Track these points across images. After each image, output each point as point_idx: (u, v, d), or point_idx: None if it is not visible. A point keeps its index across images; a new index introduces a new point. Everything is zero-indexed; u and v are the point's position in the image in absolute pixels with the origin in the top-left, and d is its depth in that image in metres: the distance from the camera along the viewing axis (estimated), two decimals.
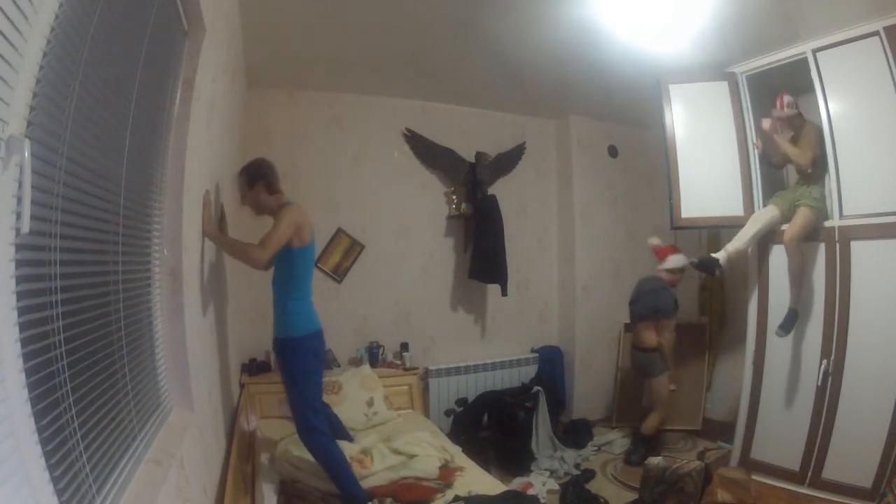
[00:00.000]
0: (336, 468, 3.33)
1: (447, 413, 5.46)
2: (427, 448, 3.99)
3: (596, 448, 5.48)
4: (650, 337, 5.18)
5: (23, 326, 1.01)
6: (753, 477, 4.35)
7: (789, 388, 4.47)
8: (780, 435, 4.49)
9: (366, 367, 5.03)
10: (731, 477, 4.03)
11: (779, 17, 4.02)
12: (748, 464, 4.68)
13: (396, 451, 3.95)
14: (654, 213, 7.00)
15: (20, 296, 1.01)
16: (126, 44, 1.58)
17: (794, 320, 4.28)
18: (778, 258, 4.57)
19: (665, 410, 5.15)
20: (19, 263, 1.01)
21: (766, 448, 4.60)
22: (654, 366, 5.17)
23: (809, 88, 4.26)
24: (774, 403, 4.59)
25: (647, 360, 5.21)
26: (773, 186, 4.60)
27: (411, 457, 3.88)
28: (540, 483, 4.57)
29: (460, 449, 4.31)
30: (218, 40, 2.72)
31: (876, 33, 3.87)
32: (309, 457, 3.49)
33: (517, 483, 4.52)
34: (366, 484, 3.49)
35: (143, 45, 1.69)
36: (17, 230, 0.97)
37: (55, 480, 1.07)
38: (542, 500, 4.22)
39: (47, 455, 1.05)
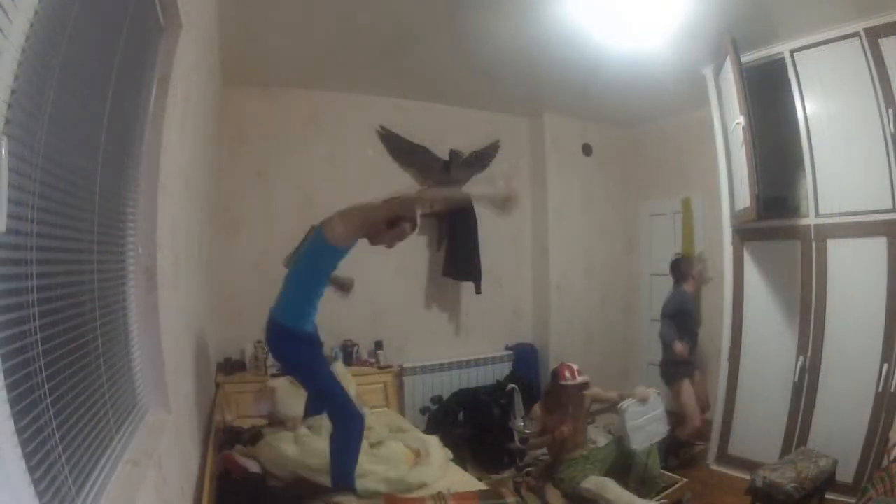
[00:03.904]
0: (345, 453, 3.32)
1: (422, 411, 5.47)
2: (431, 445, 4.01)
3: None
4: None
5: None
6: (731, 472, 4.46)
7: (766, 385, 4.55)
8: (758, 431, 4.57)
9: (338, 365, 4.99)
10: None
11: (758, 17, 4.06)
12: (726, 459, 4.75)
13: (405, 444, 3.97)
14: (628, 211, 7.09)
15: None
16: (102, 40, 1.56)
17: None
18: (753, 256, 4.65)
19: (695, 416, 5.12)
20: None
21: (744, 444, 4.68)
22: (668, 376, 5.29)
23: (787, 87, 4.33)
24: (751, 399, 4.67)
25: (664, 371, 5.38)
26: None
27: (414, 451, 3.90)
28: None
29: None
30: (194, 36, 2.69)
31: (856, 34, 3.93)
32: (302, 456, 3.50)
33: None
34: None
35: (119, 41, 1.67)
36: None
37: (35, 483, 1.06)
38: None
39: (27, 457, 1.04)
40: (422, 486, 3.50)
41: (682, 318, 5.24)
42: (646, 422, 4.09)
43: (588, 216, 6.86)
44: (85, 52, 1.40)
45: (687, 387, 5.15)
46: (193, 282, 3.23)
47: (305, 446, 3.63)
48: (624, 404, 4.06)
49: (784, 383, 4.40)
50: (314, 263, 3.34)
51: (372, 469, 3.47)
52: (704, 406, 5.22)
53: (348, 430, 3.29)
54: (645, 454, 4.05)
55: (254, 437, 3.85)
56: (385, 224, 3.41)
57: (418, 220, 3.60)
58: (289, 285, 3.37)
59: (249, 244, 5.22)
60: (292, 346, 3.32)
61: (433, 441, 4.10)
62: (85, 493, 1.33)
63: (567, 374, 4.27)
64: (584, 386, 4.37)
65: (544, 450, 4.38)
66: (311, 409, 3.97)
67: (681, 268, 5.48)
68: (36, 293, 1.16)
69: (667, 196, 6.71)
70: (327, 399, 3.42)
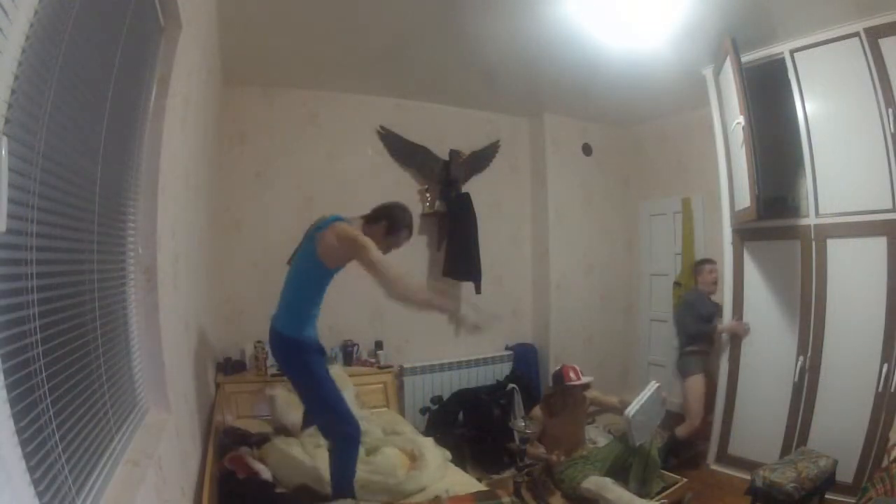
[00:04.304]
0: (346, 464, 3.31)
1: (422, 411, 5.46)
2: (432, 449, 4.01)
3: None
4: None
5: None
6: (731, 472, 4.46)
7: (766, 385, 4.55)
8: (758, 431, 4.57)
9: (336, 367, 4.97)
10: None
11: (758, 17, 4.06)
12: (726, 459, 4.75)
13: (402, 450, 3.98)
14: (628, 211, 7.08)
15: None
16: (102, 40, 1.57)
17: None
18: (753, 256, 4.65)
19: (696, 415, 5.07)
20: None
21: (744, 444, 4.68)
22: (684, 367, 5.25)
23: (787, 87, 4.32)
24: (751, 400, 4.67)
25: (680, 362, 5.34)
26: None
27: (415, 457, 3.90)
28: None
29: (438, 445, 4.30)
30: (194, 36, 2.70)
31: (856, 34, 3.92)
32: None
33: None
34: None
35: (119, 42, 1.67)
36: None
37: (35, 483, 1.06)
38: None
39: (27, 457, 1.04)
40: (420, 490, 3.50)
41: (697, 315, 5.23)
42: (647, 418, 4.09)
43: (588, 216, 6.86)
44: (85, 52, 1.40)
45: (699, 382, 5.10)
46: (193, 282, 3.24)
47: (312, 453, 3.64)
48: (628, 413, 4.03)
49: (784, 383, 4.40)
50: (309, 274, 3.32)
51: (370, 479, 3.47)
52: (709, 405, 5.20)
53: (346, 443, 3.28)
54: (645, 453, 4.05)
55: (261, 441, 3.85)
56: (382, 233, 3.41)
57: (413, 230, 3.64)
58: (285, 293, 3.37)
59: (250, 244, 5.21)
60: (294, 354, 3.30)
61: (428, 443, 4.09)
62: (85, 493, 1.34)
63: (572, 374, 4.28)
64: (588, 386, 4.38)
65: (544, 450, 4.38)
66: (310, 420, 3.94)
67: (696, 267, 5.54)
68: (36, 293, 1.16)
69: (667, 196, 6.70)
70: (327, 411, 3.37)
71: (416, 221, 5.95)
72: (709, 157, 5.21)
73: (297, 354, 3.29)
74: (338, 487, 3.24)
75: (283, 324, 3.28)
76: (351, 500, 3.20)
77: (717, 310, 5.18)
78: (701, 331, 5.11)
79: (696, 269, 5.48)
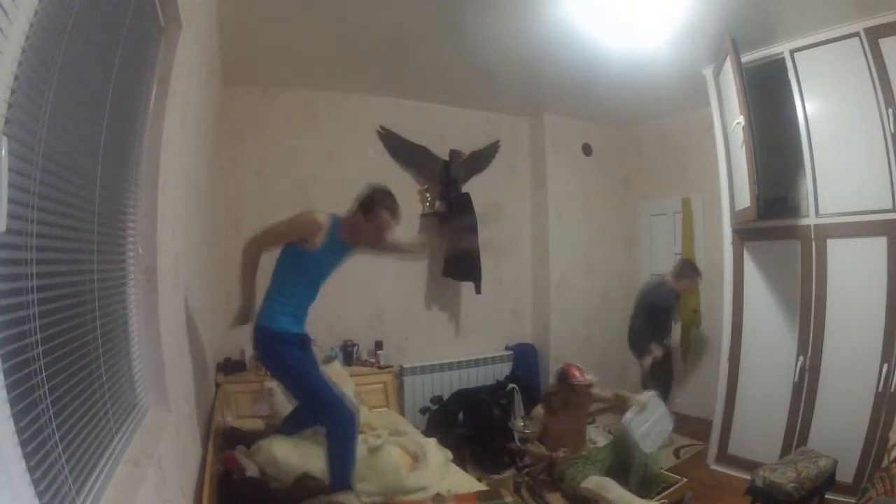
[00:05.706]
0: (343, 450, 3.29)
1: (422, 411, 5.46)
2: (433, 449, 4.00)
3: None
4: None
5: None
6: (731, 472, 4.48)
7: (766, 385, 4.54)
8: (758, 431, 4.57)
9: (335, 364, 4.99)
10: None
11: (758, 17, 4.06)
12: (726, 459, 4.74)
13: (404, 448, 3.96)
14: (628, 211, 7.09)
15: None
16: (102, 40, 1.56)
17: None
18: (753, 256, 4.64)
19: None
20: None
21: (744, 444, 4.68)
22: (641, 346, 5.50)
23: (787, 87, 4.32)
24: (751, 399, 4.67)
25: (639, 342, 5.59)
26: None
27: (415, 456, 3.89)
28: None
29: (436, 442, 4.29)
30: (194, 36, 2.69)
31: (856, 34, 3.92)
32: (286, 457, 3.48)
33: None
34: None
35: (119, 41, 1.66)
36: None
37: (35, 483, 1.06)
38: None
39: (27, 457, 1.04)
40: (421, 489, 3.49)
41: (660, 313, 5.37)
42: (650, 427, 4.08)
43: (588, 216, 6.87)
44: (85, 52, 1.40)
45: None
46: (193, 282, 3.23)
47: (303, 449, 3.62)
48: (625, 420, 4.03)
49: (784, 383, 4.39)
50: (279, 261, 3.33)
51: (371, 477, 3.47)
52: None
53: (341, 429, 3.24)
54: (645, 454, 4.05)
55: (254, 440, 3.84)
56: (362, 218, 3.32)
57: (398, 210, 3.48)
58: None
59: None
60: (269, 344, 3.28)
61: (431, 443, 4.09)
62: (85, 493, 1.33)
63: (577, 373, 4.29)
64: (591, 386, 4.39)
65: (545, 449, 4.38)
66: (297, 420, 3.88)
67: (685, 269, 5.48)
68: (36, 293, 1.16)
69: (667, 196, 6.71)
70: (312, 398, 3.37)
71: (416, 222, 5.97)
72: (709, 157, 5.21)
73: (268, 343, 3.28)
74: (336, 476, 3.22)
75: (259, 314, 3.27)
76: (351, 493, 3.19)
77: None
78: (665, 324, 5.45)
79: (687, 273, 5.46)
